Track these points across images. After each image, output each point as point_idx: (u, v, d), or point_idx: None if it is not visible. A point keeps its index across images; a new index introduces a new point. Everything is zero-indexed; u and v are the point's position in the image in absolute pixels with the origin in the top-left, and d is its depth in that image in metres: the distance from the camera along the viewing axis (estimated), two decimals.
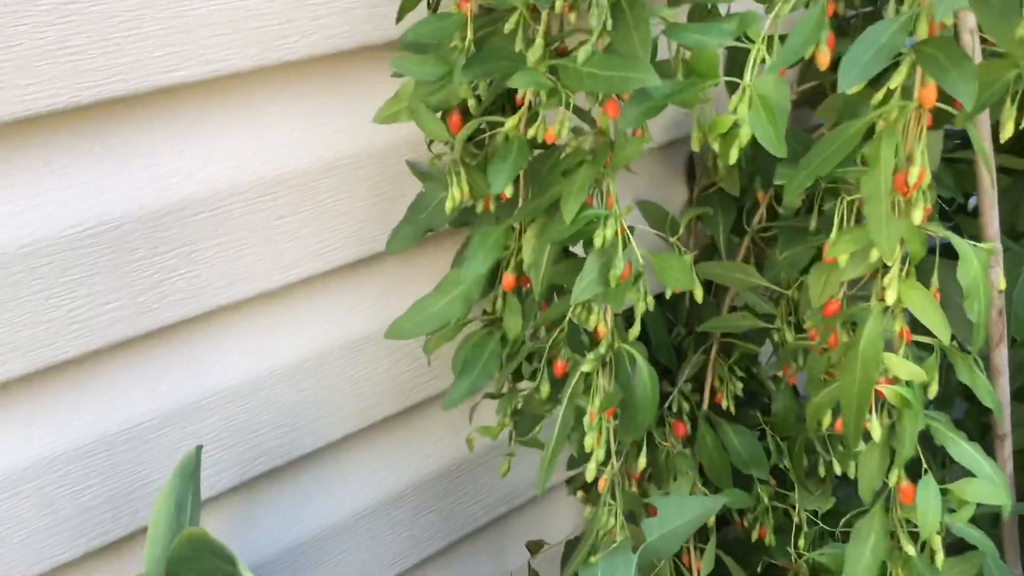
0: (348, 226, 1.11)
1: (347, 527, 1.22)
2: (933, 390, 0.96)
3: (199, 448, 0.91)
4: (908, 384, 0.91)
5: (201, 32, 0.95)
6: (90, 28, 0.89)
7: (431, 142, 1.05)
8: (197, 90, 0.98)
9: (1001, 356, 1.31)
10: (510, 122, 0.93)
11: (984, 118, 1.13)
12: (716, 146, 0.86)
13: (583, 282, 0.90)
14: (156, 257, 0.99)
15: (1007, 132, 0.86)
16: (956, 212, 1.54)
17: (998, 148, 1.14)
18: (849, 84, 0.78)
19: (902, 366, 0.89)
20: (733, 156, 0.84)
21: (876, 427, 0.91)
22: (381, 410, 1.20)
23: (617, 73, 0.83)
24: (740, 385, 1.36)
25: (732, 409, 1.35)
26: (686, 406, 1.33)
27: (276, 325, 1.10)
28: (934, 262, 0.96)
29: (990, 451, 1.33)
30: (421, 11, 1.00)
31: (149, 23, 0.92)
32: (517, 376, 1.07)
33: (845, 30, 1.44)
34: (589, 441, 0.97)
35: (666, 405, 1.32)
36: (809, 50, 0.84)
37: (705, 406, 1.36)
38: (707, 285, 1.45)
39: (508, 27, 0.91)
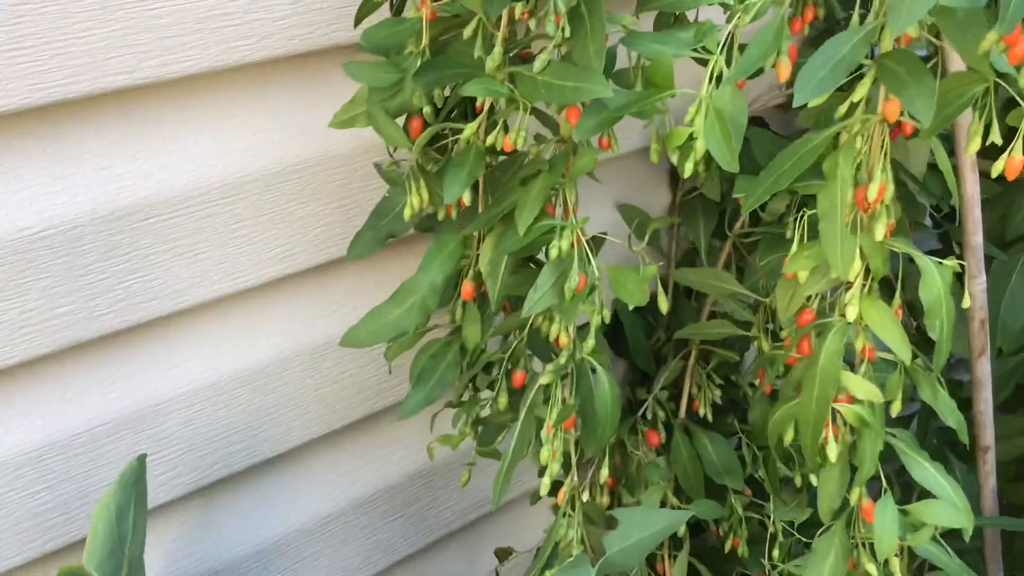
0: (313, 229, 1.09)
1: (312, 532, 1.20)
2: (896, 408, 0.94)
3: (142, 456, 0.90)
4: (871, 404, 0.88)
5: (157, 33, 0.94)
6: (42, 29, 0.88)
7: (396, 148, 1.03)
8: (154, 92, 0.97)
9: (983, 368, 1.29)
10: (468, 129, 0.91)
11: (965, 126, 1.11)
12: (674, 158, 0.84)
13: (537, 294, 0.88)
14: (110, 260, 0.97)
15: (973, 147, 0.83)
16: (945, 219, 1.51)
17: (983, 154, 1.12)
18: (804, 98, 0.76)
19: (859, 385, 0.87)
20: (688, 169, 0.82)
21: (833, 448, 0.89)
22: (347, 415, 1.18)
23: (571, 83, 0.81)
24: (718, 393, 1.34)
25: (709, 417, 1.33)
26: (661, 414, 1.31)
27: (237, 329, 1.08)
28: (910, 272, 0.94)
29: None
30: (384, 14, 0.98)
31: (103, 24, 0.91)
32: (478, 385, 1.05)
33: (834, 33, 1.41)
34: (545, 454, 0.95)
35: (640, 412, 1.30)
36: (769, 61, 0.82)
37: (682, 413, 1.34)
38: (688, 290, 1.44)
39: (467, 33, 0.89)
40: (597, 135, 0.84)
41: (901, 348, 0.86)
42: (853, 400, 0.89)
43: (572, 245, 0.88)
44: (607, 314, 0.91)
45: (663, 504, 1.22)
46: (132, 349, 1.03)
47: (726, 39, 0.81)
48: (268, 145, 1.04)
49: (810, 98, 0.76)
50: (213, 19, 0.97)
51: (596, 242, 1.04)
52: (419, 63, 0.86)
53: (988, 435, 1.33)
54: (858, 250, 0.86)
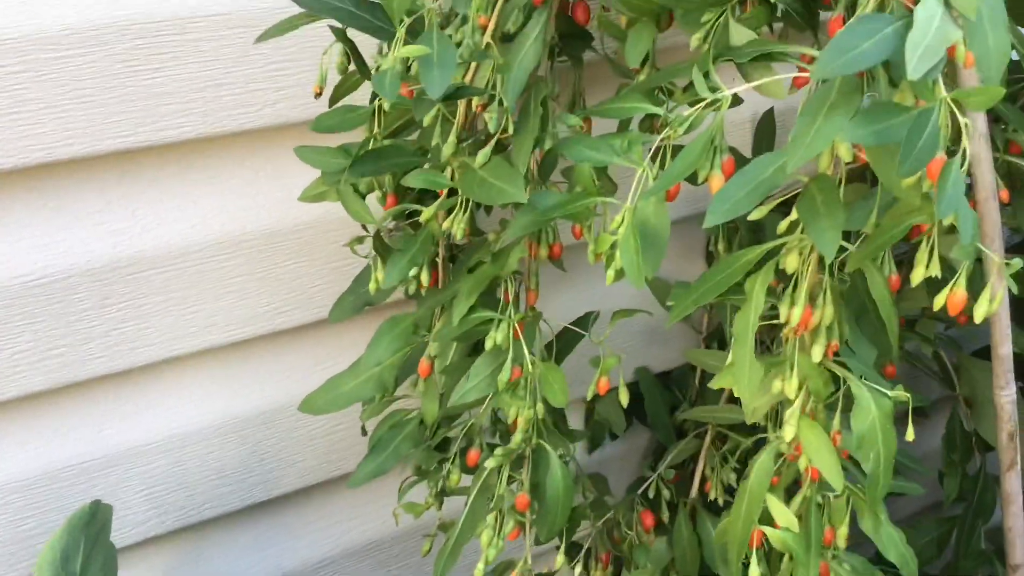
0: (309, 288, 1.13)
1: (304, 575, 1.24)
2: (843, 534, 0.90)
3: (96, 502, 0.95)
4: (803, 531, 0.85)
5: (155, 100, 0.99)
6: (41, 95, 0.95)
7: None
8: (153, 153, 1.02)
9: (1012, 483, 1.21)
10: (426, 212, 0.93)
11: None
12: (604, 262, 0.83)
13: (468, 383, 0.89)
14: (104, 309, 1.04)
15: (916, 276, 0.79)
16: None
17: None
18: (716, 220, 0.74)
19: (781, 512, 0.83)
20: (611, 277, 0.81)
21: (755, 572, 0.86)
22: (341, 466, 1.22)
23: (498, 183, 0.82)
24: (733, 476, 1.31)
25: (720, 500, 1.30)
26: (666, 492, 1.29)
27: (231, 378, 1.13)
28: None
29: None
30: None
31: (101, 92, 0.97)
32: (424, 465, 1.06)
33: None
34: (485, 538, 0.96)
35: (641, 490, 1.29)
36: (702, 174, 0.80)
37: (694, 494, 1.31)
38: None
39: (427, 121, 0.90)
40: (525, 234, 0.84)
41: (833, 476, 0.82)
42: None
43: (508, 337, 0.89)
44: (541, 408, 0.91)
45: None
46: (126, 391, 1.09)
47: (658, 149, 0.79)
48: (268, 205, 1.09)
49: (722, 219, 0.74)
50: (213, 88, 1.02)
51: (571, 336, 1.04)
52: (361, 153, 0.88)
53: (1018, 553, 1.25)
54: (796, 370, 0.84)
